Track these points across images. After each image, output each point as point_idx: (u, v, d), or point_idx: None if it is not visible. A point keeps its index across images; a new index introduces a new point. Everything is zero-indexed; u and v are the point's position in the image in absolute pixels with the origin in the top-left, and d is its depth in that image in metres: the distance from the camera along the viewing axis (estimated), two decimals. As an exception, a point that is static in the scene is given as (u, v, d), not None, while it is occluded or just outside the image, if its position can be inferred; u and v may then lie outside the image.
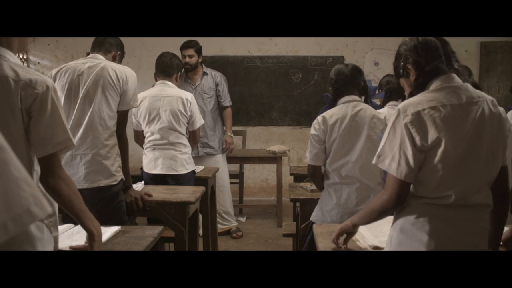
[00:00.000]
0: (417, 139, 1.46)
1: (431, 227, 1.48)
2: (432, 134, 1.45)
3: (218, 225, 4.41)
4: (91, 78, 2.40)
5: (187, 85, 4.29)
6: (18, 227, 0.68)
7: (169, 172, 3.25)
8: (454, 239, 1.48)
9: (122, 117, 2.51)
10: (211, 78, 4.31)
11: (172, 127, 3.25)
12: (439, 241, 1.47)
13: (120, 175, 2.48)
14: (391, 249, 1.57)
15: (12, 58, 1.48)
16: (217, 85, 4.32)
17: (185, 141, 3.33)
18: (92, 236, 1.63)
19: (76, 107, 2.40)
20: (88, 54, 2.58)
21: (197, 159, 4.29)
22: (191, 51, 4.15)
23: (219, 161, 4.39)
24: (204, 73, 4.30)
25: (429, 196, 1.50)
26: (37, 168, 1.52)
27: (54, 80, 2.41)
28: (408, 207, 1.54)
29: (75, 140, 2.34)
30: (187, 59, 4.14)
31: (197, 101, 4.13)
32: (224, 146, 4.40)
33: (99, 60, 2.49)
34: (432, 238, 1.47)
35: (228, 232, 4.52)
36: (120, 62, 2.64)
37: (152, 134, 3.27)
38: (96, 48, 2.55)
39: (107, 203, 2.42)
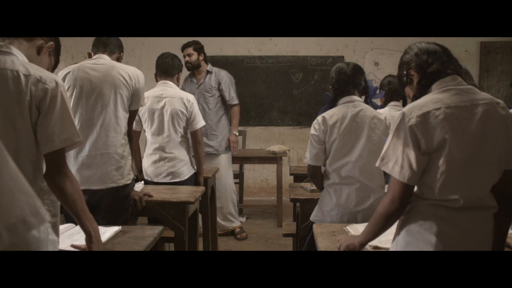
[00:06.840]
0: (422, 142, 1.45)
1: (438, 228, 1.47)
2: (437, 136, 1.44)
3: (222, 226, 4.41)
4: (104, 78, 2.39)
5: (192, 84, 4.31)
6: (13, 236, 0.68)
7: (172, 180, 3.25)
8: (461, 241, 1.47)
9: (132, 116, 2.53)
10: (214, 77, 4.29)
11: (172, 134, 3.22)
12: (446, 242, 1.47)
13: (132, 174, 2.50)
14: (398, 250, 1.55)
15: (21, 57, 1.52)
16: (219, 84, 4.29)
17: (184, 147, 3.31)
18: (90, 237, 1.63)
19: (87, 107, 2.38)
20: (89, 54, 2.54)
21: None
22: (189, 50, 4.21)
23: (222, 161, 4.37)
24: (208, 72, 4.30)
25: (435, 198, 1.49)
26: (44, 165, 1.52)
27: (63, 82, 2.39)
28: (414, 208, 1.53)
29: (91, 141, 2.36)
30: (187, 58, 4.21)
31: (198, 100, 4.12)
32: (227, 145, 4.36)
33: (107, 60, 2.47)
34: (440, 240, 1.46)
35: (232, 233, 4.51)
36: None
37: (152, 137, 3.26)
38: (100, 49, 2.51)
39: (122, 202, 2.43)
